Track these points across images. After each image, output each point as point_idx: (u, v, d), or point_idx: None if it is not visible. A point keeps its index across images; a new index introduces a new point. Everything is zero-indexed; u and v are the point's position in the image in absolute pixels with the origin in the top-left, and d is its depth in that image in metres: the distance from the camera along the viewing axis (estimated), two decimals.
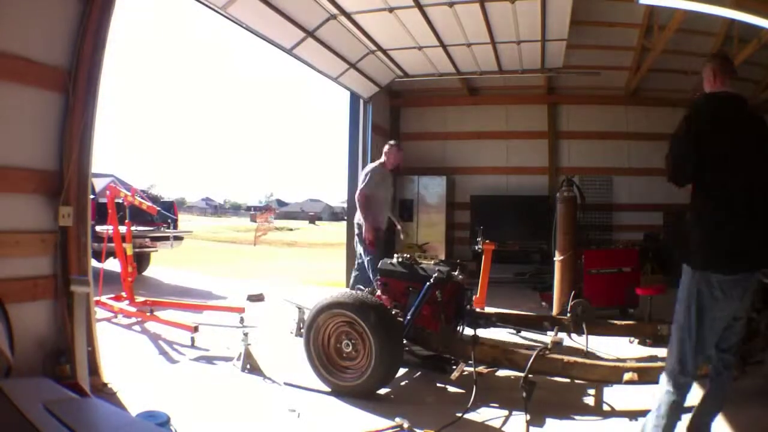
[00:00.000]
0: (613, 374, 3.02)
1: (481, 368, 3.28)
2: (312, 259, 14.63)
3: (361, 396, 3.12)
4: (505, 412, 2.99)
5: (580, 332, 4.19)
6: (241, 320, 5.17)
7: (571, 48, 7.09)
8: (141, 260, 8.07)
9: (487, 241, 5.12)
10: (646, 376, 2.94)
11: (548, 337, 3.98)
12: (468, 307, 4.12)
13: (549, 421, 2.88)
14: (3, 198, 2.84)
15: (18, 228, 2.90)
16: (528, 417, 2.73)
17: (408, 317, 3.46)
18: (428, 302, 3.60)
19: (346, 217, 9.21)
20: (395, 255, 4.01)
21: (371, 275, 4.83)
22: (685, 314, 2.27)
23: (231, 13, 4.96)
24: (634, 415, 2.94)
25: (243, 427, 2.79)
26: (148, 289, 6.76)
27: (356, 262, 5.49)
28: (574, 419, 2.81)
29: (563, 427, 2.79)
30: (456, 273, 3.86)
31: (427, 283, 3.57)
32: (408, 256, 3.98)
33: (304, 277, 9.86)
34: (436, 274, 3.62)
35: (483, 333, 4.08)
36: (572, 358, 3.14)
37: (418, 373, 3.67)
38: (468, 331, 3.96)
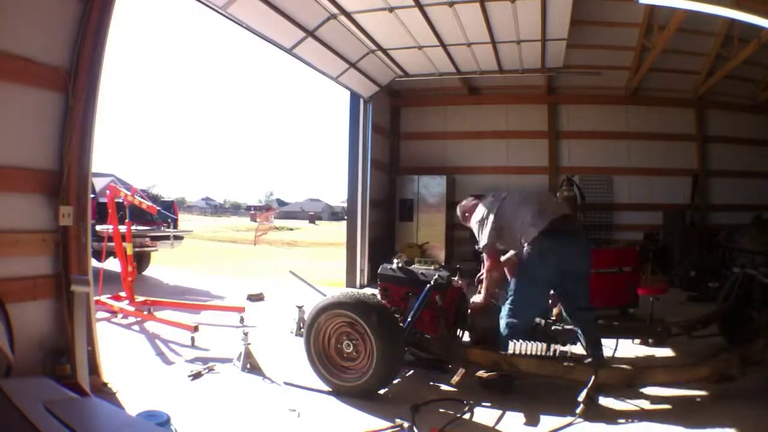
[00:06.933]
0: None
1: (482, 372, 3.28)
2: (313, 259, 14.62)
3: (362, 396, 3.12)
4: (505, 413, 2.98)
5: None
6: (241, 320, 5.18)
7: (572, 48, 7.09)
8: (141, 260, 8.07)
9: None
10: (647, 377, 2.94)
11: None
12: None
13: (543, 418, 2.88)
14: (3, 198, 2.83)
15: (18, 228, 2.90)
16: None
17: (407, 321, 3.45)
18: (428, 307, 3.60)
19: (346, 217, 9.20)
20: (395, 260, 4.00)
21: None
22: None
23: (231, 13, 4.96)
24: (629, 415, 2.94)
25: (243, 426, 2.79)
26: (148, 289, 6.76)
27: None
28: (569, 418, 2.81)
29: (559, 425, 2.79)
30: (456, 278, 3.85)
31: (426, 287, 3.57)
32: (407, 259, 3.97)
33: (305, 276, 9.83)
34: (435, 278, 3.62)
35: None
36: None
37: (419, 373, 3.66)
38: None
